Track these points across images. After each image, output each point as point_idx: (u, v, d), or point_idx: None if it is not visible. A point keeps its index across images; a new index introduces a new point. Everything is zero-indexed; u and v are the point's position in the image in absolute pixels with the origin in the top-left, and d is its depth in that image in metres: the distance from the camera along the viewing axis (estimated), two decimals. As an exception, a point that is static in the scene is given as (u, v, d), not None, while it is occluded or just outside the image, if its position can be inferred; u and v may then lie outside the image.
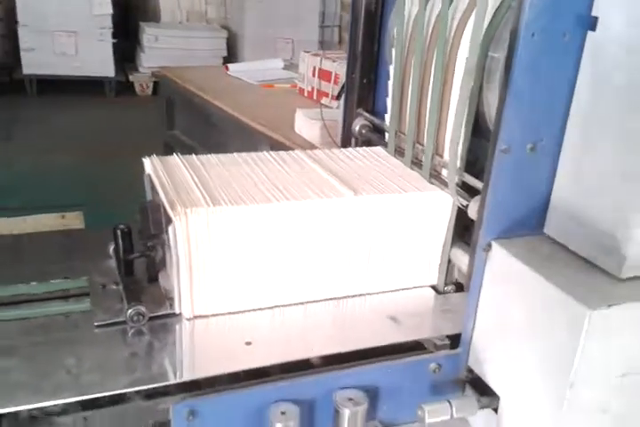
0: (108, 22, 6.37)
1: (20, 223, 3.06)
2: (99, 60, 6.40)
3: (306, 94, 2.38)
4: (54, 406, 0.84)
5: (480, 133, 1.04)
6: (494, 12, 0.96)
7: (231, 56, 7.05)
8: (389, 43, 1.26)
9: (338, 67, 2.15)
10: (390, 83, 1.21)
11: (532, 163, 0.92)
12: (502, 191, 0.93)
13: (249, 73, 2.76)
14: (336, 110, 1.83)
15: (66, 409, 0.87)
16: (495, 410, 0.99)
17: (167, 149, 2.88)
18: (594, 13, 0.83)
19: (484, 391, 1.00)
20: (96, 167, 3.98)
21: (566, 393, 0.84)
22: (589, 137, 0.86)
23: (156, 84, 6.63)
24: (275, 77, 2.73)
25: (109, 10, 6.34)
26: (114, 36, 6.45)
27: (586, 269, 0.87)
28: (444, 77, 1.05)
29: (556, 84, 0.88)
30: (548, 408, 0.89)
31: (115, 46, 6.49)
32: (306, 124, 1.81)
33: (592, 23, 0.84)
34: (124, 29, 6.74)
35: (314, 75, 2.28)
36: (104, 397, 0.86)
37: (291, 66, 2.97)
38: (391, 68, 1.20)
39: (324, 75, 2.23)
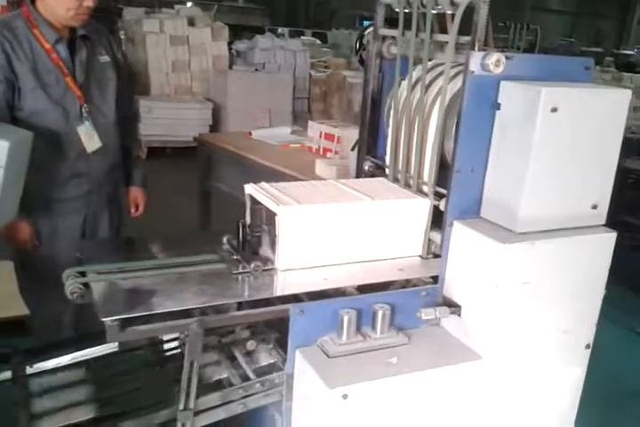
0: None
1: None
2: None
3: (314, 151, 3.28)
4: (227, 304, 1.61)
5: (442, 165, 1.87)
6: (449, 98, 1.80)
7: (216, 124, 7.97)
8: (385, 114, 2.11)
9: (338, 131, 3.05)
10: (389, 138, 2.05)
11: (472, 177, 1.74)
12: (457, 194, 1.75)
13: (268, 136, 3.65)
14: (342, 160, 2.68)
15: (236, 307, 1.63)
16: (459, 315, 1.78)
17: (203, 195, 3.69)
18: (499, 101, 1.69)
19: (452, 306, 1.79)
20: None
21: (494, 293, 1.65)
22: (497, 161, 1.70)
23: (149, 149, 7.48)
24: (287, 140, 3.63)
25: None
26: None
27: (501, 230, 1.70)
28: (422, 134, 1.89)
29: (483, 135, 1.72)
30: (484, 306, 1.69)
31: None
32: (325, 168, 2.65)
33: (498, 106, 1.69)
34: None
35: (320, 137, 3.17)
36: (260, 299, 1.64)
37: (296, 131, 3.87)
38: (389, 129, 2.05)
39: (329, 137, 3.13)
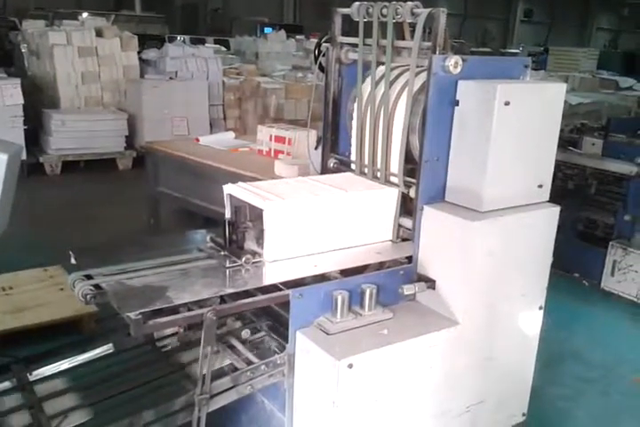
0: (20, 111, 7.06)
1: (12, 277, 3.72)
2: (13, 145, 6.98)
3: (265, 153, 3.43)
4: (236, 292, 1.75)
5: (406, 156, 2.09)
6: (414, 94, 2.01)
7: (132, 134, 7.90)
8: (348, 114, 2.30)
9: (289, 133, 3.23)
10: (353, 135, 2.24)
11: (437, 166, 1.97)
12: (425, 181, 1.97)
13: (215, 142, 3.76)
14: (300, 160, 2.85)
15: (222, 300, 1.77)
16: (433, 288, 1.99)
17: (153, 201, 3.75)
18: (457, 98, 1.92)
19: (428, 281, 2.01)
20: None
21: (466, 265, 1.87)
22: (458, 151, 1.94)
23: (64, 163, 7.35)
24: (234, 144, 3.75)
25: (20, 100, 7.04)
26: (18, 122, 7.13)
27: (467, 211, 1.93)
28: (388, 129, 2.10)
29: (444, 129, 1.94)
30: (457, 278, 1.91)
31: (21, 131, 7.14)
32: (285, 168, 2.81)
33: (456, 102, 1.92)
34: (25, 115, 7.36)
35: (270, 140, 3.33)
36: (252, 289, 1.78)
37: (239, 136, 4.00)
38: (354, 123, 2.23)
39: (279, 139, 3.30)
